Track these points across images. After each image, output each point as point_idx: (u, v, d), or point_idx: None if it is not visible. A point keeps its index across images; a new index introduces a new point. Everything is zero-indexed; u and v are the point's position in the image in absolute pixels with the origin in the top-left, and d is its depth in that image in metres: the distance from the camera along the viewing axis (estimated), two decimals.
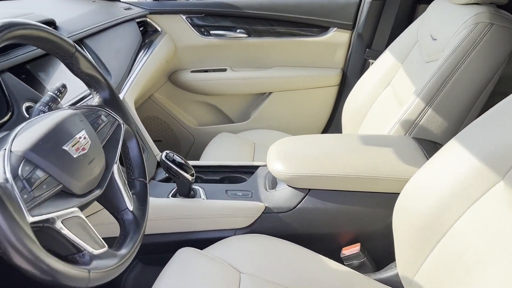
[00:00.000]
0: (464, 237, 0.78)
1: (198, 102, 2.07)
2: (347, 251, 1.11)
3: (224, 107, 2.07)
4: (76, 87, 1.09)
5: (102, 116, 0.83)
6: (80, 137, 0.71)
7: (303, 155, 1.14)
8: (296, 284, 0.93)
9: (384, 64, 1.57)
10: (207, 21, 1.94)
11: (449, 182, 0.82)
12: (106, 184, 0.77)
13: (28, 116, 0.88)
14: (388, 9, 1.82)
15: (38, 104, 0.83)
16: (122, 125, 0.87)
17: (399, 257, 0.93)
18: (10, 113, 0.84)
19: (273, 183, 1.21)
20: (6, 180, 0.55)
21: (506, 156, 0.73)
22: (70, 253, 0.62)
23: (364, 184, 1.08)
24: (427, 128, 1.25)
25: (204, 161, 1.47)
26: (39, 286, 0.63)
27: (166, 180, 1.25)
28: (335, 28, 1.92)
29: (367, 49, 1.89)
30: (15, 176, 0.56)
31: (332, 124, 2.07)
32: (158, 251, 1.14)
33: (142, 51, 1.70)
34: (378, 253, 1.12)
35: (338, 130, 2.01)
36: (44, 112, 0.83)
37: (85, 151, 0.71)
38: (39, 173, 0.60)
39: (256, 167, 1.33)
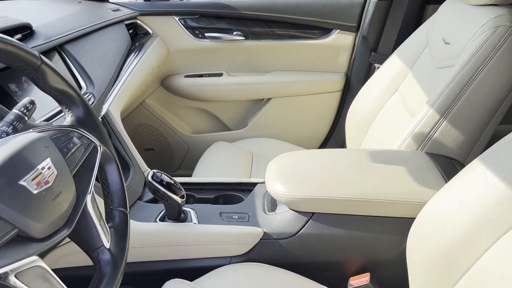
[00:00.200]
0: (492, 274, 0.69)
1: (193, 109, 2.00)
2: (355, 281, 1.00)
3: (220, 114, 2.00)
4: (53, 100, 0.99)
5: (74, 139, 0.72)
6: (43, 168, 0.60)
7: (306, 175, 1.03)
8: None
9: (391, 69, 1.49)
10: (202, 22, 1.87)
11: (473, 209, 0.73)
12: (76, 220, 0.66)
13: None
14: (396, 10, 1.74)
15: (0, 124, 0.72)
16: (99, 147, 0.76)
17: None
18: None
19: (273, 204, 1.11)
20: None
21: None
22: None
23: (375, 208, 0.98)
24: (442, 142, 1.15)
25: (197, 177, 1.37)
26: None
27: (154, 200, 1.15)
28: (338, 30, 1.85)
29: (372, 53, 1.82)
30: None
31: (335, 132, 2.00)
32: (144, 281, 1.03)
33: (132, 55, 1.60)
34: (390, 284, 1.02)
35: (341, 138, 1.93)
36: (7, 133, 0.71)
37: (49, 184, 0.60)
38: None
39: (254, 184, 1.23)
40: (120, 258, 0.72)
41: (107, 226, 0.73)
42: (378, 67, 1.73)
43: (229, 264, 1.02)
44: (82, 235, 0.69)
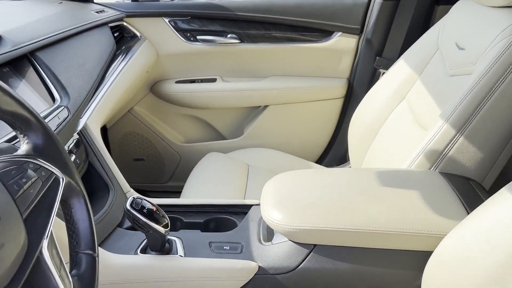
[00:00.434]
0: None
1: (185, 116, 1.91)
2: None
3: (214, 122, 1.92)
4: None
5: (29, 171, 0.60)
6: None
7: (307, 201, 0.92)
8: None
9: (397, 75, 1.41)
10: (194, 24, 1.78)
11: (504, 247, 0.65)
12: (27, 273, 0.54)
13: None
14: (403, 11, 1.65)
15: None
16: (61, 180, 0.64)
17: None
18: None
19: (269, 232, 0.99)
20: None
21: None
22: None
23: (385, 240, 0.87)
24: (457, 161, 1.04)
25: (185, 198, 1.25)
26: None
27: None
28: (340, 33, 1.77)
29: (377, 57, 1.73)
30: None
31: (336, 143, 1.91)
32: None
33: (117, 60, 1.49)
34: None
35: (343, 149, 1.86)
36: None
37: None
38: None
39: (249, 206, 1.11)
40: None
41: (69, 275, 0.61)
42: (383, 73, 1.67)
43: None
44: None
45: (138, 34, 1.72)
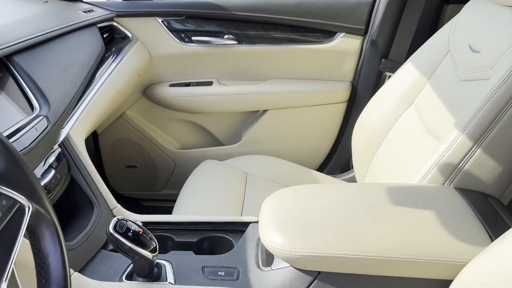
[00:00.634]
0: None
1: (179, 121, 1.84)
2: None
3: (211, 127, 1.86)
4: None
5: None
6: None
7: (310, 222, 0.83)
8: None
9: (405, 79, 1.35)
10: (188, 24, 1.72)
11: None
12: None
13: None
14: (410, 10, 1.59)
15: None
16: (27, 208, 0.56)
17: None
18: None
19: (269, 255, 0.91)
20: None
21: None
22: None
23: (399, 268, 0.78)
24: (474, 175, 0.96)
25: (177, 215, 1.17)
26: None
27: None
28: (344, 33, 1.71)
29: (382, 60, 1.67)
30: None
31: (339, 149, 1.85)
32: None
33: (106, 63, 1.41)
34: None
35: (346, 156, 1.80)
36: None
37: None
38: None
39: (246, 224, 1.03)
40: None
41: None
42: (389, 76, 1.62)
43: None
44: None
45: (129, 34, 1.66)
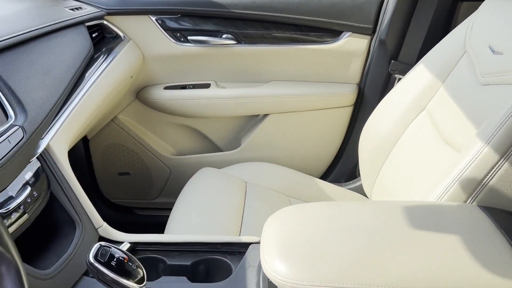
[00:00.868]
0: None
1: (175, 126, 1.79)
2: None
3: (208, 132, 1.81)
4: None
5: None
6: None
7: (319, 249, 0.74)
8: None
9: (416, 82, 1.31)
10: (184, 23, 1.67)
11: None
12: None
13: None
14: (422, 8, 1.53)
15: None
16: None
17: None
18: None
19: (271, 284, 0.82)
20: None
21: None
22: None
23: None
24: (500, 192, 0.88)
25: (170, 235, 1.09)
26: None
27: None
28: (350, 33, 1.66)
29: (392, 61, 1.63)
30: None
31: (344, 156, 1.79)
32: None
33: (95, 64, 1.34)
34: None
35: (352, 164, 1.75)
36: None
37: None
38: None
39: (246, 245, 0.95)
40: None
41: None
42: (398, 79, 1.59)
43: None
44: None
45: (121, 34, 1.60)
